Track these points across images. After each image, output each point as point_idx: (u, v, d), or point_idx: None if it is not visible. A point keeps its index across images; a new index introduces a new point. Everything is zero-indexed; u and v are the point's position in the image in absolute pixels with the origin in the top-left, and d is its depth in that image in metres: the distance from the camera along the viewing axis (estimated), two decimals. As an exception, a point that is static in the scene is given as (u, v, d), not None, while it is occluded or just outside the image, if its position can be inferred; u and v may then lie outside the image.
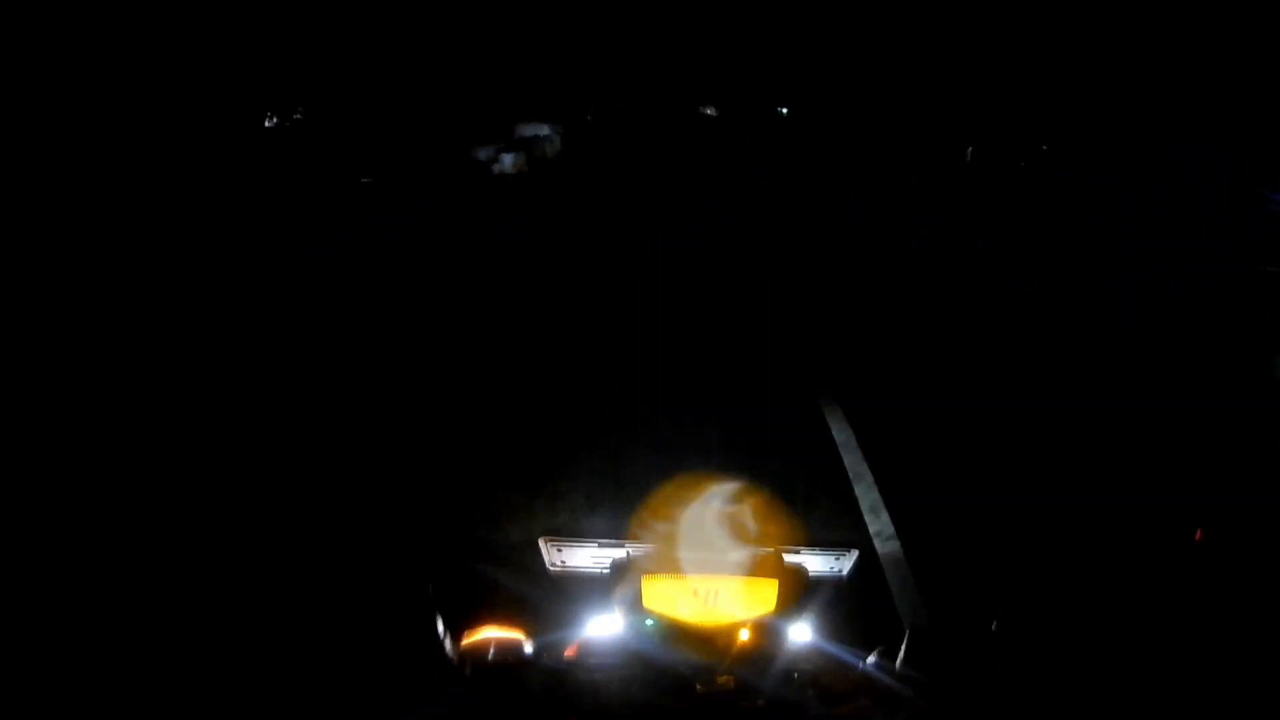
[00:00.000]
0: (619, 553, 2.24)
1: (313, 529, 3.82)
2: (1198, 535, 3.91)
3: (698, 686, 2.10)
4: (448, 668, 2.23)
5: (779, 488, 3.92)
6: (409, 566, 2.83)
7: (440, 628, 2.32)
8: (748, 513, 2.52)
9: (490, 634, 2.27)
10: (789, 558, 2.25)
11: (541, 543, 2.28)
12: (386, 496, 4.02)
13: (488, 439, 4.75)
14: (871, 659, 2.25)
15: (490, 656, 2.21)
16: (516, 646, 2.22)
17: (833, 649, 2.31)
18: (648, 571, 2.20)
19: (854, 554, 2.29)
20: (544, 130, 17.69)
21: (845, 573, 2.30)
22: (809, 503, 3.93)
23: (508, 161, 15.46)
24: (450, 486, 4.01)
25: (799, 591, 2.22)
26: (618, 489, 3.94)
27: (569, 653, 2.27)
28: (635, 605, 2.19)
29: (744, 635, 2.18)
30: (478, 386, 5.55)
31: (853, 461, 4.92)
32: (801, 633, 2.30)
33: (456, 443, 4.67)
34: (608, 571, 2.25)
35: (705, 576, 2.19)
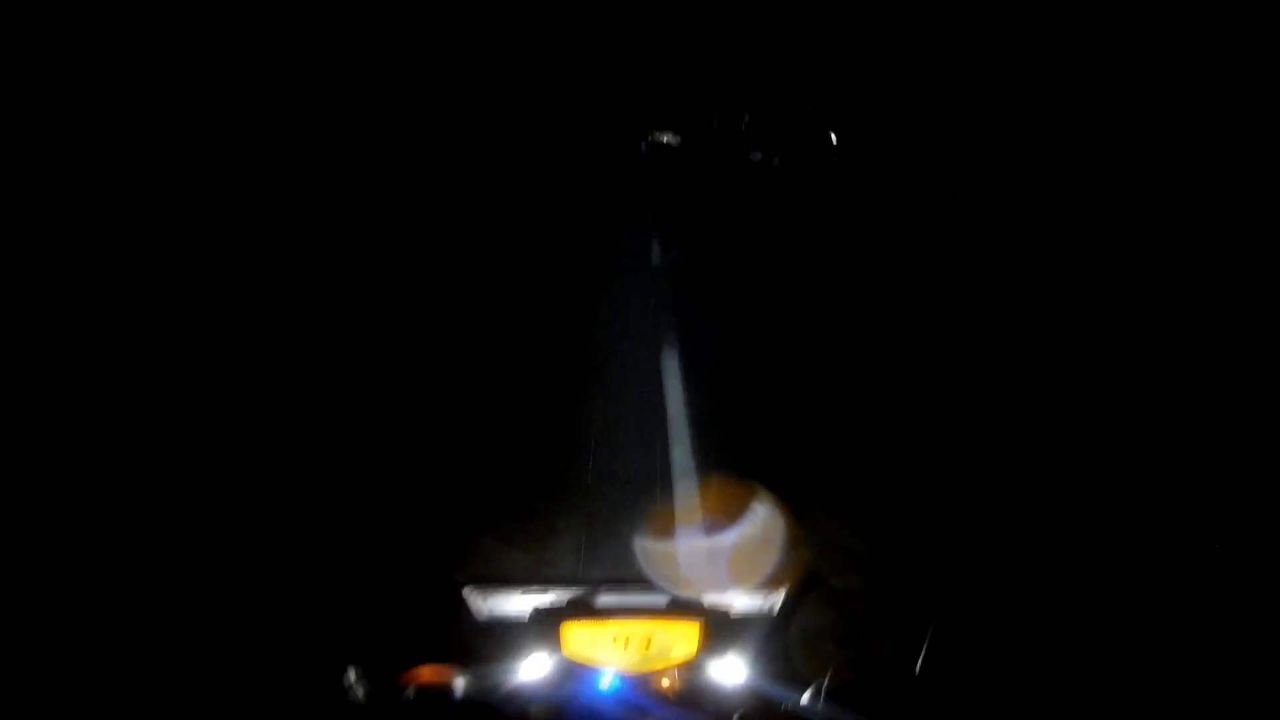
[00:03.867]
0: (541, 598, 2.24)
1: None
2: None
3: None
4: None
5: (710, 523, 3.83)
6: (328, 614, 2.85)
7: (352, 677, 2.33)
8: (674, 554, 2.51)
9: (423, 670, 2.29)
10: (713, 597, 2.22)
11: (466, 591, 2.28)
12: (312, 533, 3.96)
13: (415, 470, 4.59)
14: (805, 698, 2.21)
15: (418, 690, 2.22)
16: (445, 686, 2.24)
17: (766, 688, 2.27)
18: (568, 616, 2.20)
19: (780, 592, 2.25)
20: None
21: (775, 609, 2.26)
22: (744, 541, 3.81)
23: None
24: (373, 526, 3.95)
25: (723, 632, 2.20)
26: (545, 532, 3.91)
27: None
28: (555, 650, 2.19)
29: (665, 681, 2.16)
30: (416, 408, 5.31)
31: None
32: (735, 673, 2.27)
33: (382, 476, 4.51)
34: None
35: (624, 620, 2.18)
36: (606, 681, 2.16)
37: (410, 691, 2.17)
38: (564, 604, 2.22)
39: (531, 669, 2.24)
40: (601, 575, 3.26)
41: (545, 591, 2.26)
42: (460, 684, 2.23)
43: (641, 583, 2.30)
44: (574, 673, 2.18)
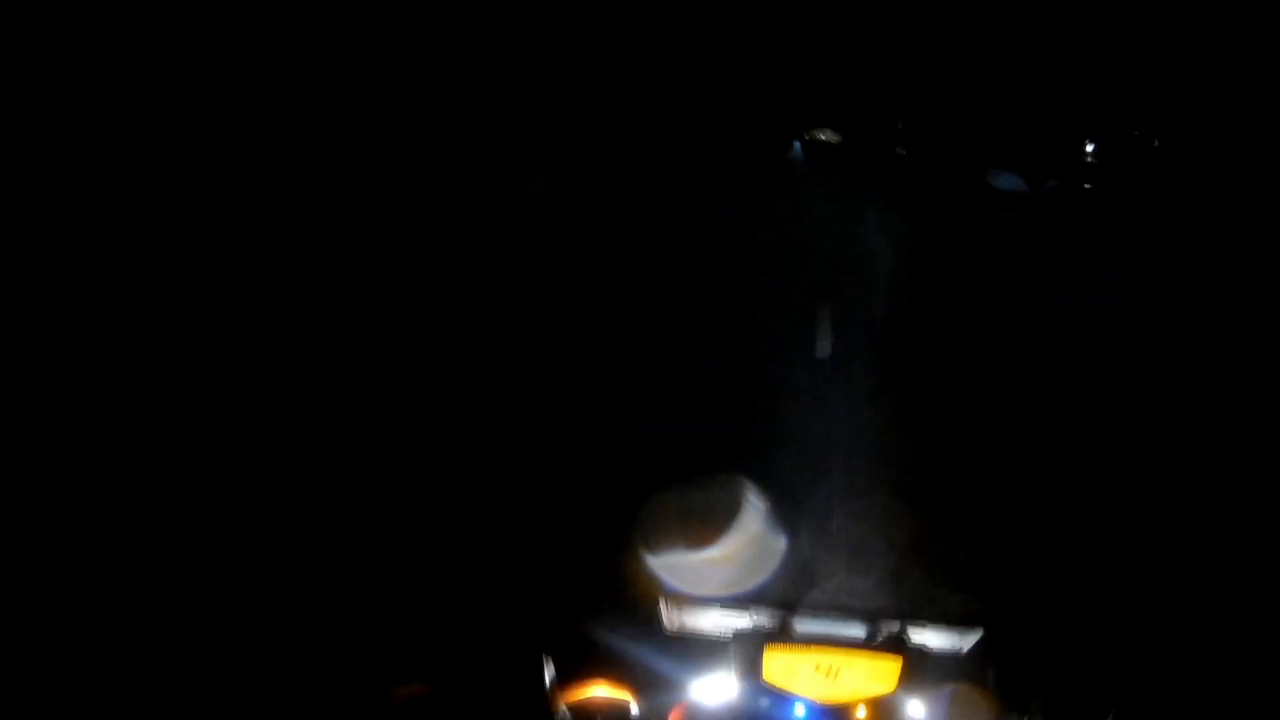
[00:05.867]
0: (742, 619, 2.23)
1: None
2: None
3: None
4: None
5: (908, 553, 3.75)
6: (519, 616, 2.83)
7: (549, 680, 2.34)
8: (876, 584, 2.49)
9: (598, 693, 2.28)
10: (913, 633, 2.21)
11: (662, 602, 2.27)
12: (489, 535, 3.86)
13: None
14: None
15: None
16: (624, 709, 2.24)
17: None
18: (770, 641, 2.19)
19: (978, 632, 2.24)
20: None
21: (965, 650, 2.25)
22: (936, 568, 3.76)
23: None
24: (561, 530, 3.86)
25: (921, 670, 2.19)
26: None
27: (674, 716, 2.27)
28: (755, 675, 2.19)
29: (861, 712, 2.16)
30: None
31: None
32: (917, 710, 2.27)
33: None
34: (728, 636, 2.24)
35: (828, 650, 2.17)
36: (800, 710, 2.16)
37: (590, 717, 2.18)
38: (765, 627, 2.21)
39: (717, 690, 2.23)
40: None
41: (745, 612, 2.25)
42: (635, 712, 2.22)
43: (840, 608, 2.29)
44: (766, 699, 2.18)
